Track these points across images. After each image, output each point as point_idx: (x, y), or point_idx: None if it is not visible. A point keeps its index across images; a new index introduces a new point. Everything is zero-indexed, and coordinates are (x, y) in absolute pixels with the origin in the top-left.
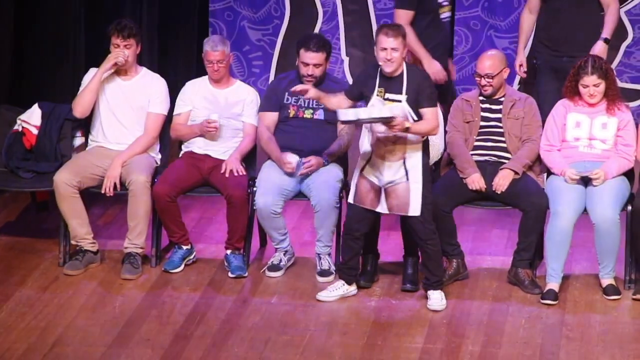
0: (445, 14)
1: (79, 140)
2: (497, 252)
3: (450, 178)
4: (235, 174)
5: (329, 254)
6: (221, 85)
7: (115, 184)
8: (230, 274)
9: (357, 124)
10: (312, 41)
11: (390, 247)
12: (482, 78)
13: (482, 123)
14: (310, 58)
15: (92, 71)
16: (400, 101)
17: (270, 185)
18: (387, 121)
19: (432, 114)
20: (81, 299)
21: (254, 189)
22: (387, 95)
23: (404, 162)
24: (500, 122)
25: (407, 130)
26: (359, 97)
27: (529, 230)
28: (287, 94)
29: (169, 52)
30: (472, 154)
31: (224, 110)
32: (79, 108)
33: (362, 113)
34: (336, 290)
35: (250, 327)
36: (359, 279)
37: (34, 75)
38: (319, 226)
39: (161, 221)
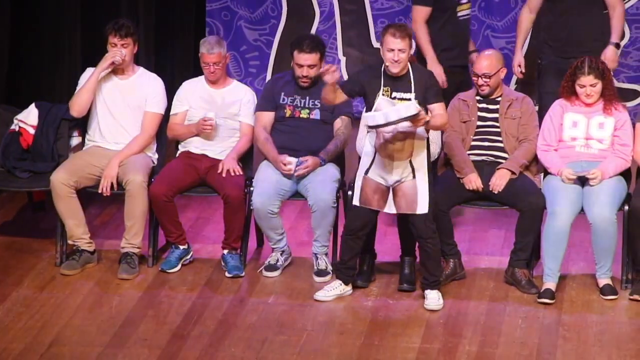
0: (464, 11)
1: (75, 140)
2: (494, 252)
3: (448, 178)
4: (232, 173)
5: (326, 254)
6: (218, 85)
7: (112, 183)
8: (227, 274)
9: (384, 126)
10: (305, 42)
11: (387, 246)
12: (479, 78)
13: (479, 123)
14: (304, 59)
15: (89, 71)
16: (409, 99)
17: (267, 185)
18: (413, 118)
19: (442, 108)
20: (78, 299)
21: (251, 188)
22: (394, 94)
23: (410, 160)
24: (497, 122)
25: (427, 124)
26: (356, 95)
27: (526, 230)
28: (283, 93)
29: (166, 52)
30: (469, 154)
31: (220, 110)
32: (76, 107)
33: (391, 115)
34: (333, 290)
35: (247, 327)
36: (356, 278)
37: (31, 75)
38: (316, 226)
39: (158, 221)
